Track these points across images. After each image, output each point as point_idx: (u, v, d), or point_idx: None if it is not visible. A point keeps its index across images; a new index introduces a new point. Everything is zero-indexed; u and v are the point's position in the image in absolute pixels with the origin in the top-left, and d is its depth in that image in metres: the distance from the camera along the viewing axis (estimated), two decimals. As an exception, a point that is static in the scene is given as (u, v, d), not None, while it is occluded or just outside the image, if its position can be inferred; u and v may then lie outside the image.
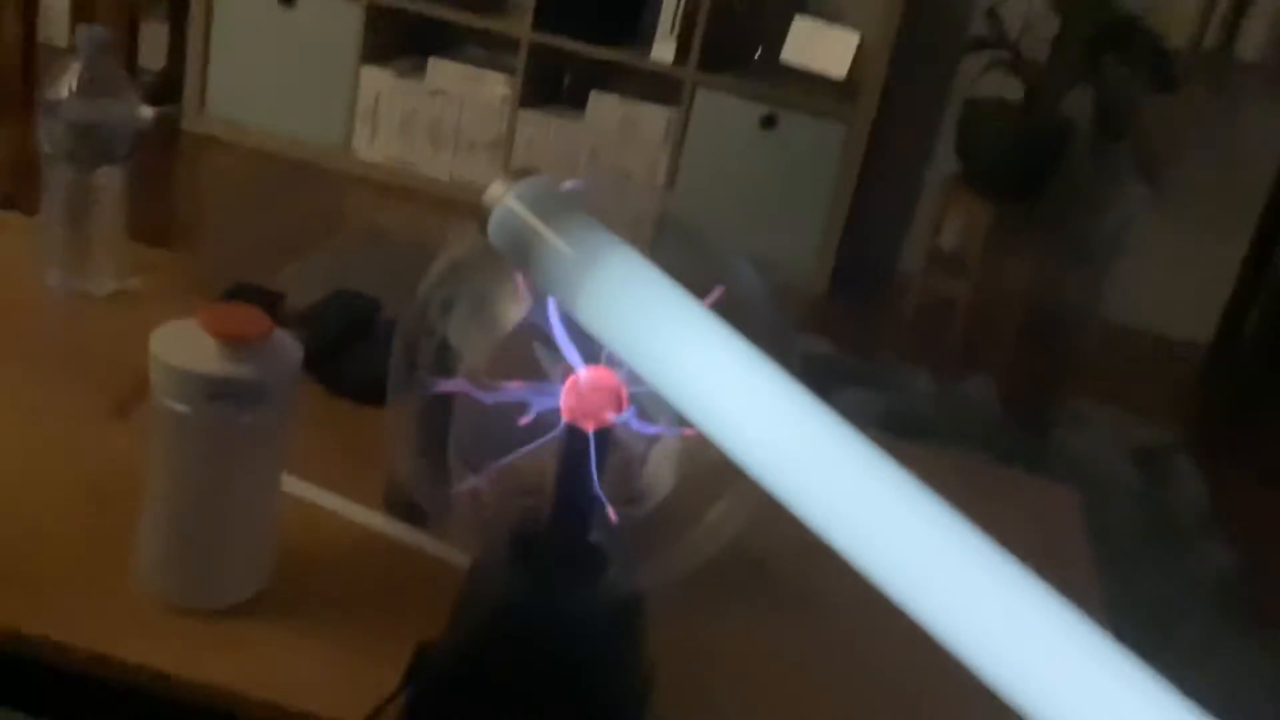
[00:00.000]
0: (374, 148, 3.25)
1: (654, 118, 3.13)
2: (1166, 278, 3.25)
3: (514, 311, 0.66)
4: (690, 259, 0.78)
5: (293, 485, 0.87)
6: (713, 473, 0.74)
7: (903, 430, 2.24)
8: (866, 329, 2.98)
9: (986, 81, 3.01)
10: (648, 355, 0.55)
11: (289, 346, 0.74)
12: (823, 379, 2.70)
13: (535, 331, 0.67)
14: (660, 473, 0.81)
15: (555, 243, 0.57)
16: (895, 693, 0.84)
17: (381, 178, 3.24)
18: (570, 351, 0.64)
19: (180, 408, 0.71)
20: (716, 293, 0.61)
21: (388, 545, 0.87)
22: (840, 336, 2.82)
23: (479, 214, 0.60)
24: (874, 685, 0.84)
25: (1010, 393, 2.73)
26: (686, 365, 0.54)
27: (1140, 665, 0.45)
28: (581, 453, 0.67)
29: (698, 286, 0.76)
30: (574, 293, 0.57)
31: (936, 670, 0.88)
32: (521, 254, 0.59)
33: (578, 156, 3.16)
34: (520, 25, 3.09)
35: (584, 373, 0.67)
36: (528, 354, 0.69)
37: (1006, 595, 0.47)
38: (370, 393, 1.05)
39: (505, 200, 0.59)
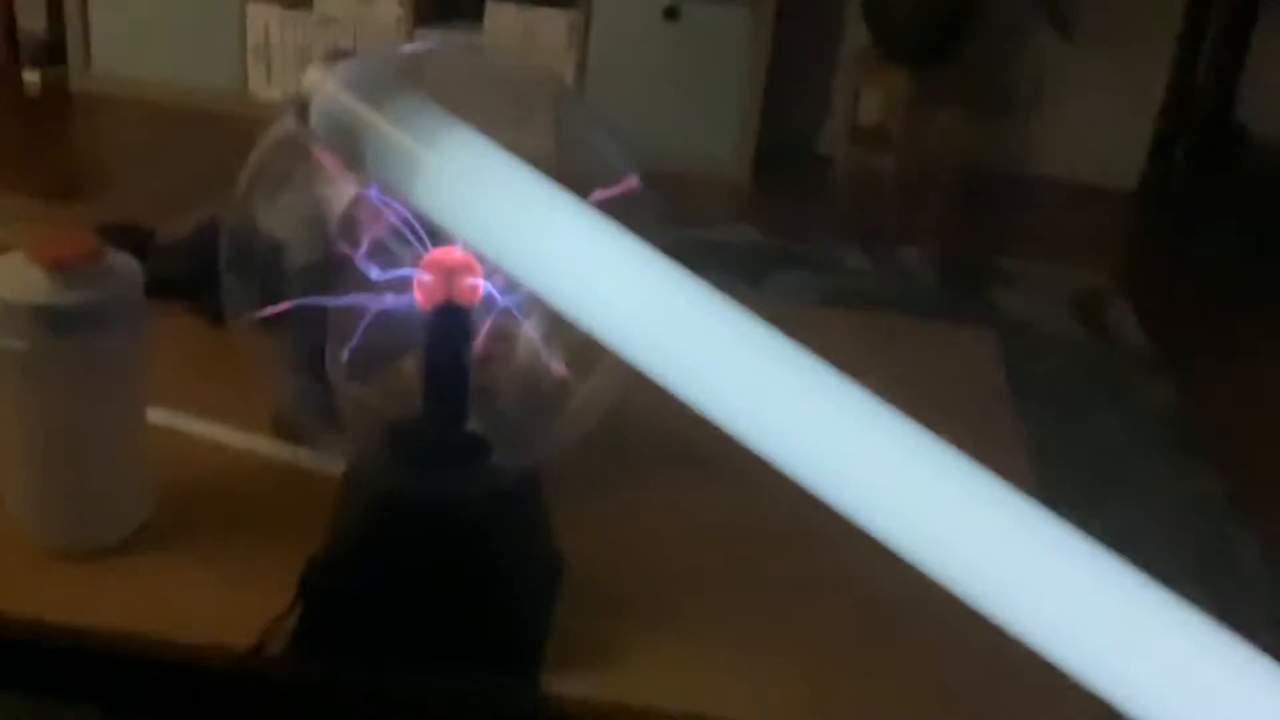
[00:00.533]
0: (271, 86, 3.14)
1: (554, 21, 3.04)
2: (1089, 125, 3.23)
3: (344, 192, 0.62)
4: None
5: (168, 417, 0.83)
6: (584, 343, 0.71)
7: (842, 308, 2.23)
8: (795, 213, 2.95)
9: (888, -53, 2.95)
10: (494, 239, 0.51)
11: (126, 267, 0.70)
12: (755, 266, 2.68)
13: (370, 209, 0.63)
14: (551, 352, 0.78)
15: (385, 128, 0.53)
16: (824, 552, 0.83)
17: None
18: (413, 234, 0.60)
19: (18, 344, 0.67)
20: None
21: (275, 468, 0.83)
22: (769, 223, 2.79)
23: (299, 104, 0.55)
24: (796, 551, 0.83)
25: (945, 259, 2.71)
26: (536, 245, 0.50)
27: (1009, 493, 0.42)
28: (442, 333, 0.64)
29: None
30: (410, 180, 0.53)
31: (837, 521, 0.86)
32: (348, 144, 0.55)
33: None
34: (407, -58, 2.98)
35: (434, 252, 0.63)
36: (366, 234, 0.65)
37: (879, 440, 0.44)
38: (253, 318, 1.01)
39: (326, 86, 0.54)
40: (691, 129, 3.01)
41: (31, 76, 3.20)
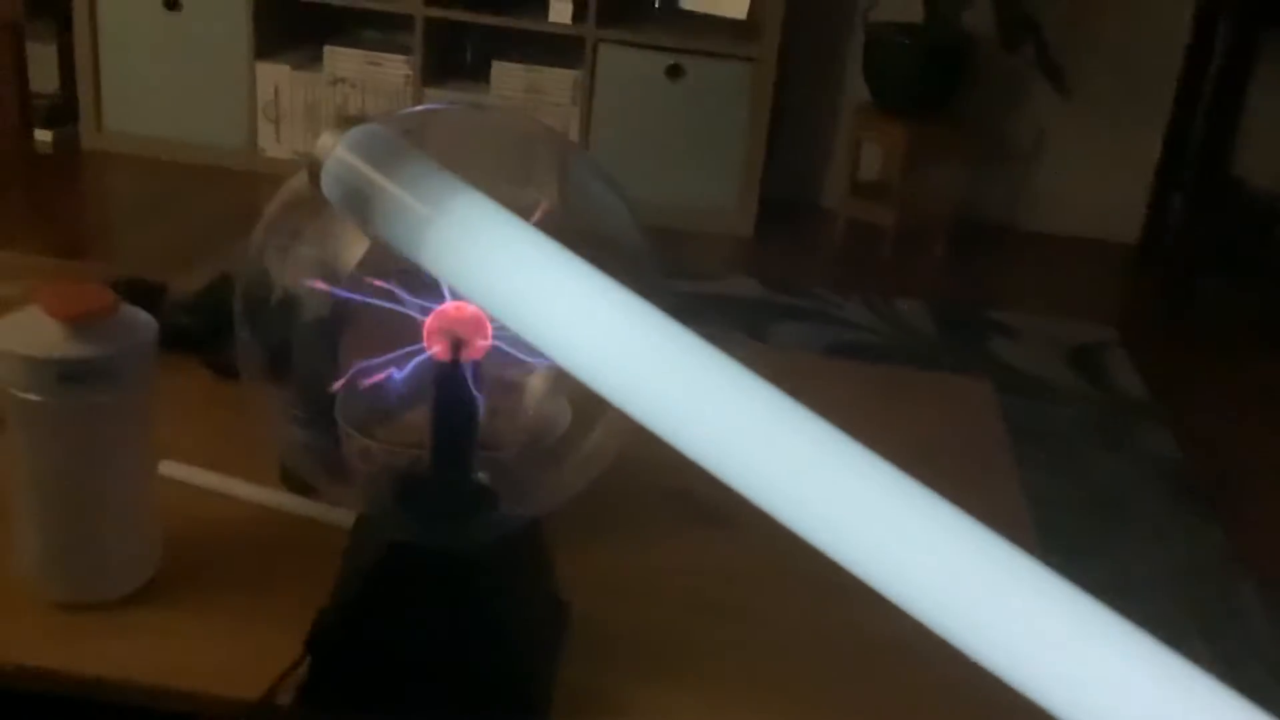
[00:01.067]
0: (280, 144, 3.19)
1: (559, 80, 3.09)
2: (1086, 179, 3.27)
3: (356, 250, 0.63)
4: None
5: (177, 470, 0.84)
6: (591, 396, 0.72)
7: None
8: (797, 265, 2.97)
9: (886, 4, 3.00)
10: (502, 299, 0.53)
11: (140, 322, 0.71)
12: (757, 318, 2.71)
13: (380, 267, 0.65)
14: (552, 405, 0.79)
15: (394, 192, 0.54)
16: (824, 599, 0.83)
17: (291, 172, 3.18)
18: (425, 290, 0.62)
19: (33, 396, 0.68)
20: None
21: (284, 520, 0.84)
22: (771, 276, 2.81)
23: (310, 168, 0.57)
24: (801, 600, 0.83)
25: (944, 311, 2.73)
26: (543, 305, 0.51)
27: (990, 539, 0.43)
28: (451, 387, 0.65)
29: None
30: (418, 243, 0.54)
31: (846, 575, 0.87)
32: (359, 207, 0.56)
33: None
34: (413, 2, 3.03)
35: (444, 307, 0.65)
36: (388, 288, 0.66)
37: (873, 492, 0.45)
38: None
39: (336, 151, 0.56)
40: (695, 183, 3.05)
41: (43, 135, 3.25)
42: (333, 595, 0.69)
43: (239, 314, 0.65)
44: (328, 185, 0.56)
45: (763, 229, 3.09)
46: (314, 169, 0.56)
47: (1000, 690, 0.43)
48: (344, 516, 0.83)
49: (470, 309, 0.65)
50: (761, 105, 3.01)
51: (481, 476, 0.69)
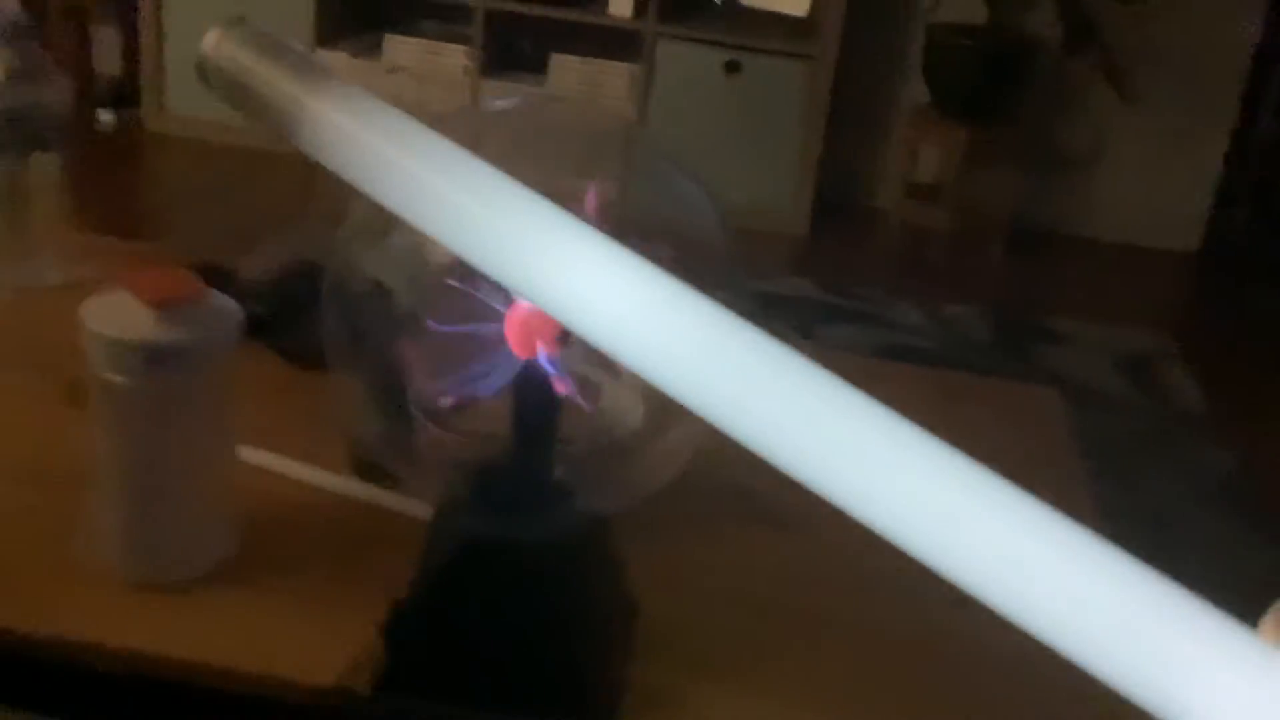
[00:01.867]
0: (338, 131, 3.21)
1: (617, 74, 3.09)
2: (1146, 186, 3.22)
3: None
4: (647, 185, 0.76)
5: (252, 455, 0.85)
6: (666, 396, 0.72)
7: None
8: (849, 266, 2.96)
9: (948, 6, 2.97)
10: (373, 175, 0.54)
11: (225, 308, 0.72)
12: (808, 318, 2.71)
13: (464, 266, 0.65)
14: (625, 401, 0.79)
15: (273, 78, 0.56)
16: (876, 603, 0.83)
17: (348, 161, 3.21)
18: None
19: (117, 379, 0.69)
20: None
21: (354, 507, 0.85)
22: (824, 276, 2.80)
23: (198, 66, 0.59)
24: (857, 597, 0.83)
25: (998, 316, 2.71)
26: (409, 178, 0.52)
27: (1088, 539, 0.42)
28: (533, 382, 0.65)
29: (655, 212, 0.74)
30: (296, 123, 0.55)
31: (912, 577, 0.86)
32: (241, 98, 0.58)
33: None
34: (473, -7, 3.05)
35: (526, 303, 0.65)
36: (466, 287, 0.67)
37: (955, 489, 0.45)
38: (324, 359, 1.03)
39: (220, 45, 0.58)
40: (749, 181, 3.04)
41: (106, 116, 3.30)
42: (410, 584, 0.70)
43: (326, 303, 0.65)
44: (212, 78, 0.58)
45: (816, 228, 3.07)
46: (199, 67, 0.58)
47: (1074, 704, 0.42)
48: (416, 506, 0.83)
49: (554, 305, 0.65)
50: (818, 104, 3.00)
51: (558, 472, 0.69)
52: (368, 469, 0.86)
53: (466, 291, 0.66)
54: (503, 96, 3.12)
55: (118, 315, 0.69)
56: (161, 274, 0.70)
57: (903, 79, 3.22)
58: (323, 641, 0.71)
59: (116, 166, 3.16)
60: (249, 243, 1.14)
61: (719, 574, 0.84)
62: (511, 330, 0.65)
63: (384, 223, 0.66)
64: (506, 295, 0.65)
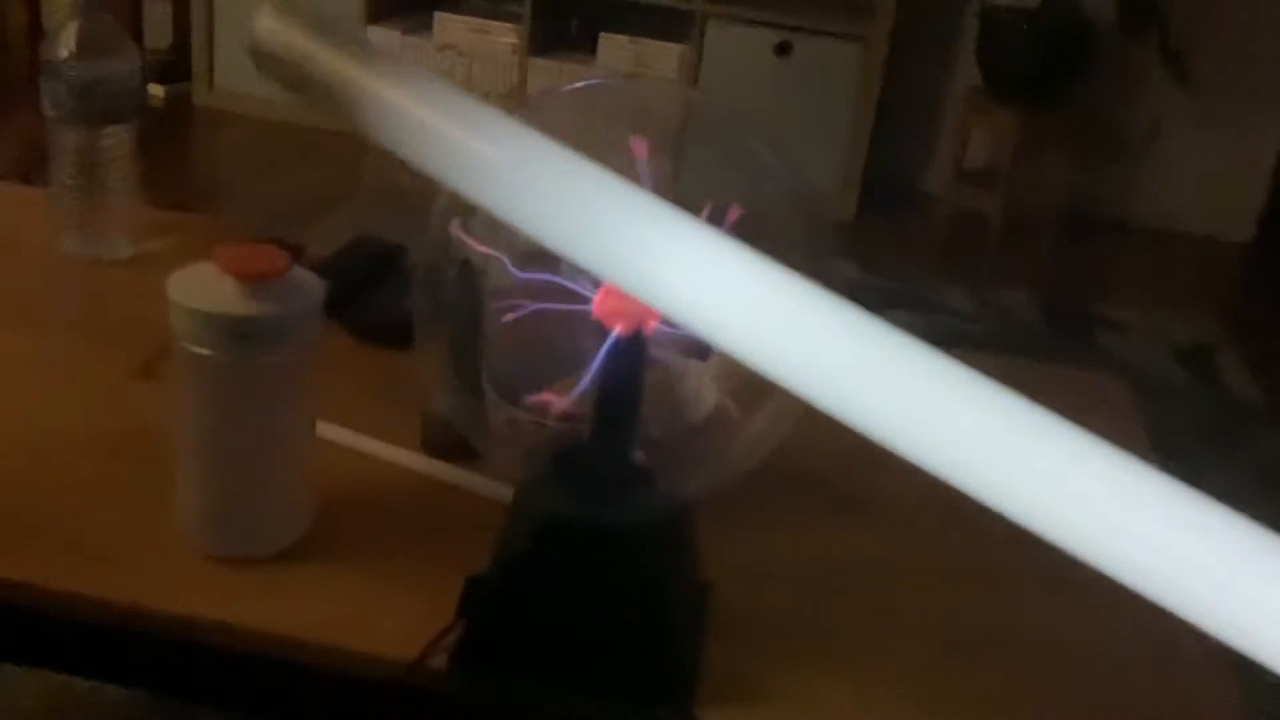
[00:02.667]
0: (386, 108, 3.22)
1: (666, 54, 3.07)
2: (1202, 173, 3.17)
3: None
4: (722, 161, 0.76)
5: (327, 430, 0.85)
6: (752, 382, 0.72)
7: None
8: (898, 251, 2.93)
9: (1003, -13, 2.93)
10: (438, 158, 0.54)
11: (310, 283, 0.72)
12: (856, 303, 2.67)
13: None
14: (702, 387, 0.79)
15: (325, 59, 0.55)
16: (951, 591, 0.82)
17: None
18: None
19: (204, 351, 0.69)
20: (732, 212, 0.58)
21: (427, 484, 0.85)
22: (872, 260, 2.78)
23: (252, 50, 0.58)
24: (931, 584, 0.82)
25: (1050, 302, 2.68)
26: (465, 152, 0.52)
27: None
28: (621, 363, 0.65)
29: (730, 191, 0.73)
30: (356, 108, 0.55)
31: (987, 565, 0.86)
32: (296, 82, 0.57)
33: (592, 100, 3.11)
34: (523, -29, 3.04)
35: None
36: (550, 267, 0.66)
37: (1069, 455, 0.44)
38: (397, 335, 1.03)
39: (272, 27, 0.57)
40: (799, 163, 3.02)
41: (156, 90, 3.32)
42: (490, 562, 0.70)
43: (416, 281, 0.65)
44: (267, 62, 0.58)
45: (864, 212, 3.05)
46: (253, 48, 0.57)
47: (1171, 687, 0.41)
48: (490, 485, 0.83)
49: (643, 285, 0.64)
50: (869, 86, 2.97)
51: (639, 455, 0.69)
52: (441, 447, 0.86)
53: (556, 271, 0.66)
54: (551, 75, 3.11)
55: (204, 288, 0.69)
56: (249, 248, 0.70)
57: (955, 61, 3.18)
58: (400, 618, 0.72)
59: (165, 142, 3.18)
60: (298, 219, 1.13)
61: (790, 559, 0.83)
62: (600, 310, 0.65)
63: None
64: (595, 276, 0.65)
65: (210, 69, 3.29)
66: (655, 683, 0.68)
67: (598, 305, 0.65)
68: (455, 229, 0.64)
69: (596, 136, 0.66)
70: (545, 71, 3.13)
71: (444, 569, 0.73)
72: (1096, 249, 3.10)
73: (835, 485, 0.91)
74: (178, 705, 1.26)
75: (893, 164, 3.21)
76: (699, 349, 0.72)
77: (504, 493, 0.82)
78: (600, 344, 0.65)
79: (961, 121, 3.08)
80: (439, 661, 0.69)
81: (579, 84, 0.70)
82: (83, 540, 0.75)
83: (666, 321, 0.65)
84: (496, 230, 0.64)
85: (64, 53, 1.02)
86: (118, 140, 1.07)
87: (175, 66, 3.35)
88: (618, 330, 0.64)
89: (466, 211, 0.65)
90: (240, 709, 0.78)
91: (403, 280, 1.12)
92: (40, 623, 0.73)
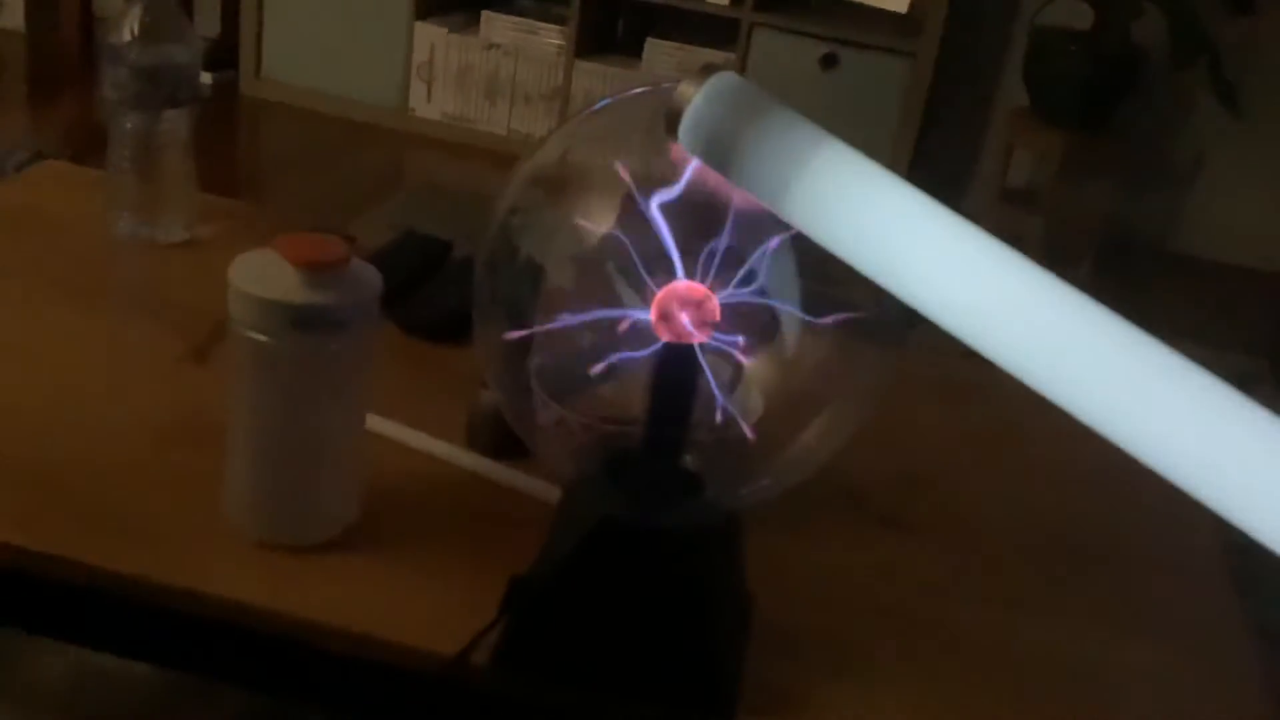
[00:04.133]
0: (430, 105, 3.23)
1: (712, 61, 3.07)
2: (1245, 207, 3.14)
3: (601, 224, 0.63)
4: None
5: (375, 423, 0.85)
6: (804, 395, 0.71)
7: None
8: (936, 269, 2.92)
9: (1053, 9, 2.91)
10: (870, 254, 0.53)
11: (368, 274, 0.73)
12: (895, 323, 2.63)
13: (617, 248, 0.65)
14: (750, 397, 0.78)
15: (756, 142, 0.54)
16: (999, 615, 0.81)
17: (439, 134, 3.22)
18: (674, 256, 0.61)
19: (262, 338, 0.69)
20: None
21: (473, 481, 0.85)
22: (909, 277, 2.76)
23: (668, 116, 0.57)
24: (978, 607, 0.82)
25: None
26: (918, 261, 0.51)
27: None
28: (675, 369, 0.65)
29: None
30: (782, 193, 0.54)
31: (1037, 591, 0.85)
32: (719, 157, 0.56)
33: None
34: (572, -27, 3.04)
35: (677, 285, 0.64)
36: (605, 276, 0.66)
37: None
38: (444, 331, 1.04)
39: (697, 100, 0.55)
40: (839, 177, 3.01)
41: (203, 78, 3.35)
42: (535, 561, 0.70)
43: (480, 278, 0.65)
44: (686, 134, 0.56)
45: (903, 228, 3.04)
46: (672, 117, 0.56)
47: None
48: (535, 485, 0.83)
49: (702, 290, 0.64)
50: (915, 102, 2.96)
51: (689, 461, 0.69)
52: (487, 444, 0.87)
53: (612, 275, 0.66)
54: (596, 78, 3.11)
55: (265, 275, 0.69)
56: (310, 237, 0.70)
57: (1002, 81, 3.16)
58: (441, 612, 0.72)
59: (211, 130, 3.20)
60: (340, 212, 1.13)
61: (832, 574, 0.83)
62: (657, 314, 0.64)
63: (540, 200, 0.65)
64: (655, 280, 0.64)
65: (258, 58, 3.31)
66: (698, 693, 0.68)
67: (656, 308, 0.64)
68: (516, 227, 0.64)
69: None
70: (590, 74, 3.13)
71: (487, 566, 0.73)
72: (1137, 276, 3.08)
73: (881, 503, 0.91)
74: (201, 686, 1.26)
75: (934, 181, 3.17)
76: (747, 358, 0.72)
77: (549, 492, 0.82)
78: (653, 350, 0.65)
79: (1005, 141, 3.06)
80: (480, 658, 0.69)
81: (648, 86, 0.70)
82: (128, 521, 0.76)
83: (720, 330, 0.65)
84: (555, 232, 0.64)
85: (127, 36, 1.03)
86: (176, 125, 1.08)
87: (223, 55, 3.38)
88: (671, 337, 0.64)
89: (527, 211, 0.65)
90: (277, 694, 0.78)
91: (450, 276, 1.12)
92: (82, 599, 0.73)
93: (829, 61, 2.98)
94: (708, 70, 0.56)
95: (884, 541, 0.87)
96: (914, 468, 0.96)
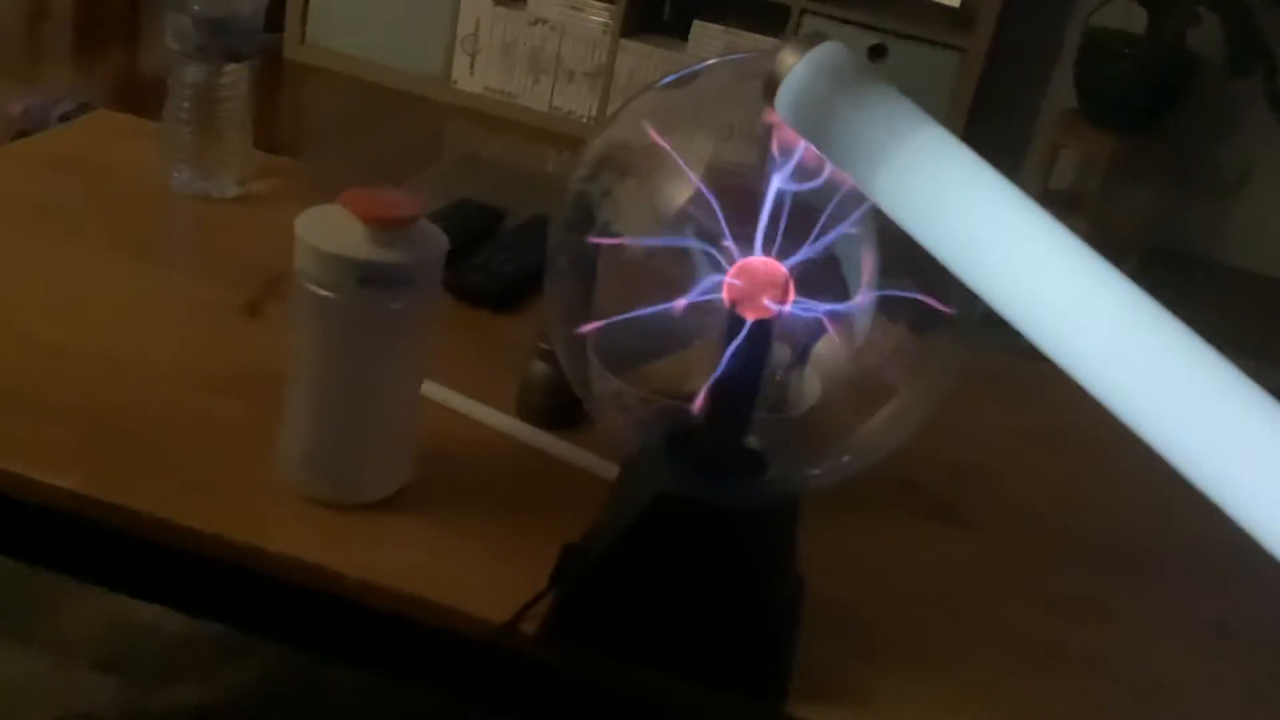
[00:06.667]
0: (473, 77, 3.22)
1: (758, 46, 3.05)
2: (1296, 220, 3.10)
3: (678, 195, 0.62)
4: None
5: (428, 388, 0.84)
6: (874, 380, 0.70)
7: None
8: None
9: (1108, 11, 2.87)
10: (952, 243, 0.51)
11: (433, 234, 0.72)
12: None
13: (694, 220, 0.64)
14: (818, 377, 0.77)
15: (855, 116, 0.53)
16: (1051, 610, 0.80)
17: (481, 107, 3.22)
18: (753, 230, 0.60)
19: (327, 293, 0.68)
20: None
21: (525, 449, 0.84)
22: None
23: (767, 83, 0.55)
24: (1030, 601, 0.81)
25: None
26: (1000, 255, 0.50)
27: None
28: (746, 345, 0.64)
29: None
30: (872, 175, 0.52)
31: (1076, 584, 0.84)
32: (813, 129, 0.54)
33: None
34: (622, -48, 3.02)
35: (754, 260, 0.63)
36: (680, 248, 0.65)
37: None
38: (497, 298, 1.03)
39: (797, 68, 0.54)
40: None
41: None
42: (589, 532, 0.69)
43: (553, 245, 0.64)
44: (783, 101, 0.54)
45: (944, 225, 3.01)
46: (771, 83, 0.54)
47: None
48: (586, 457, 0.83)
49: (778, 266, 0.63)
50: (963, 98, 2.93)
51: (753, 440, 0.68)
52: (537, 414, 0.86)
53: (686, 249, 0.65)
54: (641, 58, 3.10)
55: (331, 230, 0.68)
56: (379, 194, 0.70)
57: (1052, 81, 3.13)
58: (488, 579, 0.71)
59: (255, 92, 3.20)
60: (381, 179, 1.13)
61: (883, 562, 0.82)
62: (732, 288, 0.63)
63: (617, 169, 0.64)
64: (731, 254, 0.63)
65: (303, 22, 3.30)
66: (750, 674, 0.67)
67: (728, 288, 0.63)
68: (593, 195, 0.63)
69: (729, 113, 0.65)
70: (635, 54, 3.12)
71: (537, 536, 0.72)
72: (1181, 286, 3.04)
73: (922, 489, 0.89)
74: (232, 642, 1.27)
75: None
76: (813, 339, 0.71)
77: (600, 466, 0.82)
78: (723, 326, 0.63)
79: (1051, 142, 3.03)
80: (528, 627, 0.68)
81: (714, 60, 0.69)
82: (178, 471, 0.75)
83: (795, 308, 0.64)
84: (632, 202, 0.63)
85: (192, -13, 1.03)
86: (236, 79, 1.07)
87: (269, 18, 3.38)
88: (744, 312, 0.63)
89: (604, 179, 0.64)
90: (319, 651, 0.78)
91: (503, 243, 1.12)
92: (129, 546, 0.73)
93: (877, 52, 2.95)
94: (812, 39, 0.54)
95: (936, 532, 0.86)
96: (970, 460, 0.94)
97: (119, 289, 0.94)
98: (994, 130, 3.16)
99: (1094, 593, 0.83)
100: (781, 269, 0.63)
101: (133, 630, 1.29)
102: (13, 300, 0.90)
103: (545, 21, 3.15)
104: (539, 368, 0.87)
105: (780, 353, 0.76)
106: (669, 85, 0.69)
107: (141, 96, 1.11)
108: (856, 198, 0.60)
